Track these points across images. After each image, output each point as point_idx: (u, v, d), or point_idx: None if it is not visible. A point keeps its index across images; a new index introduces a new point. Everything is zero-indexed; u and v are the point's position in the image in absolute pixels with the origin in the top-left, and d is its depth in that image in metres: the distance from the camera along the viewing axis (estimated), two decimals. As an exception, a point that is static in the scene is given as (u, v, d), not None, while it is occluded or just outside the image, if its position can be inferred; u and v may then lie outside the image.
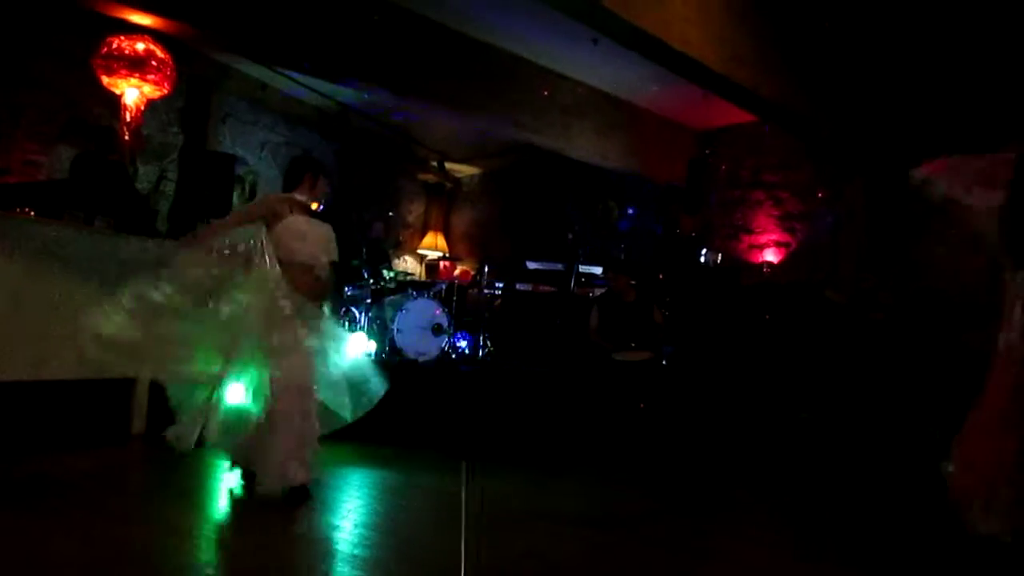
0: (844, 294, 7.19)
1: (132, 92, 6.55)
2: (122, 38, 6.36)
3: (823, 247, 8.17)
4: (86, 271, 5.16)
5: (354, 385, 4.47)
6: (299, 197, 4.41)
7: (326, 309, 4.58)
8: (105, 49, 6.37)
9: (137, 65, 6.37)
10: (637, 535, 4.04)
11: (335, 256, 4.44)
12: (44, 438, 4.93)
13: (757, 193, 8.89)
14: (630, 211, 9.75)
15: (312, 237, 4.28)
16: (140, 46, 6.38)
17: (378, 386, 4.57)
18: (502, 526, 4.06)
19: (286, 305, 4.08)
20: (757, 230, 8.82)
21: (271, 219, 4.21)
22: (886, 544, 4.03)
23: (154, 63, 6.44)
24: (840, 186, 8.10)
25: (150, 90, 6.59)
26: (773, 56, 6.70)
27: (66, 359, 4.95)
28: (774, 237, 8.67)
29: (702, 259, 8.15)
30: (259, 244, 4.10)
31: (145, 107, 6.75)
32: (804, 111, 7.19)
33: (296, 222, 4.25)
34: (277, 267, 4.11)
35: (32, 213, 5.74)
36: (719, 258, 8.32)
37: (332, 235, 4.44)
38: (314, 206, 4.50)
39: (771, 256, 8.62)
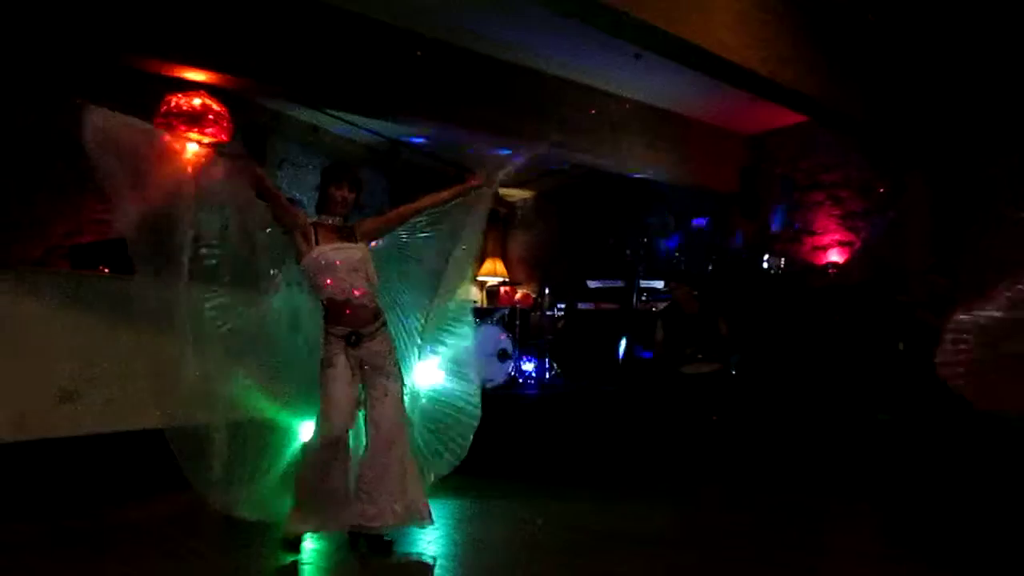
0: (917, 296, 6.98)
1: (192, 147, 6.76)
2: (179, 95, 6.57)
3: (889, 244, 7.96)
4: (161, 322, 5.30)
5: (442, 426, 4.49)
6: (327, 220, 3.99)
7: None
8: (164, 107, 6.59)
9: (195, 120, 6.57)
10: (721, 554, 3.97)
11: (375, 280, 3.99)
12: (126, 486, 5.04)
13: (815, 194, 8.73)
14: (693, 222, 9.66)
15: (343, 265, 3.85)
16: (197, 101, 6.57)
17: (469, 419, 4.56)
18: (580, 549, 4.04)
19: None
20: (819, 231, 8.65)
21: (296, 238, 3.88)
22: (993, 553, 3.87)
23: (211, 116, 6.63)
24: (900, 181, 7.91)
25: (209, 143, 6.79)
26: (817, 54, 6.60)
27: (143, 411, 5.08)
28: (837, 237, 8.49)
29: (764, 265, 8.02)
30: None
31: (205, 160, 6.96)
32: (854, 107, 7.06)
33: (319, 254, 3.84)
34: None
35: (107, 271, 5.96)
36: (782, 263, 8.18)
37: (367, 256, 3.98)
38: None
39: (836, 256, 8.44)
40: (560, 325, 8.80)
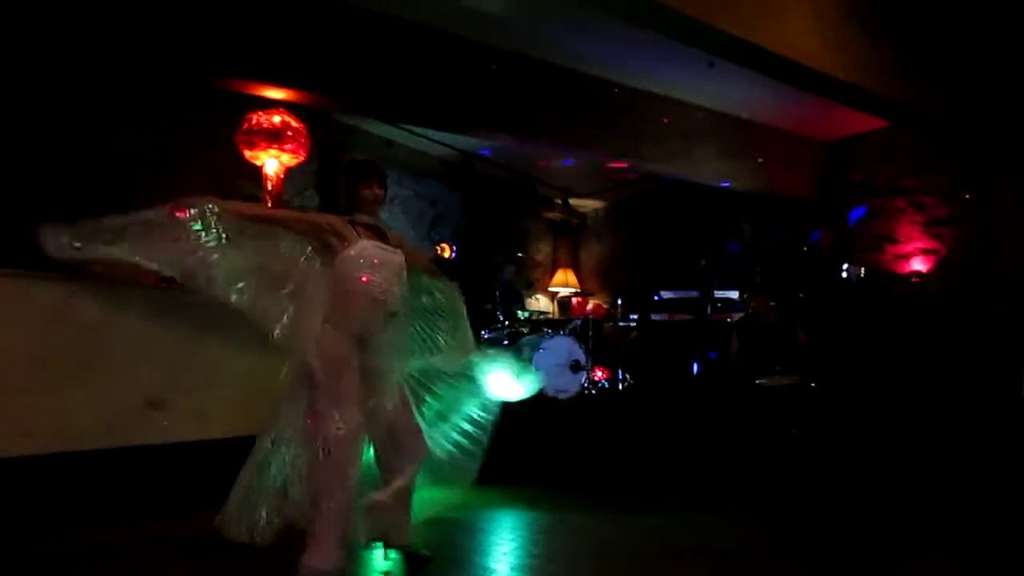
0: (1010, 305, 6.72)
1: (272, 163, 6.97)
2: (260, 113, 6.79)
3: (977, 251, 7.69)
4: (242, 335, 5.45)
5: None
6: (362, 218, 3.72)
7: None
8: (246, 125, 6.82)
9: (275, 137, 6.78)
10: (810, 569, 3.88)
11: (405, 290, 3.75)
12: (209, 494, 5.16)
13: (896, 201, 8.48)
14: (766, 232, 9.49)
15: (385, 267, 3.60)
16: (276, 119, 6.79)
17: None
18: (660, 563, 4.00)
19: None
20: (901, 239, 8.39)
21: (333, 241, 3.57)
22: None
23: (290, 133, 6.83)
24: (987, 186, 7.63)
25: (288, 159, 6.99)
26: (900, 57, 6.41)
27: (228, 419, 5.23)
28: (920, 245, 8.23)
29: (844, 274, 7.83)
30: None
31: (284, 175, 7.15)
32: (939, 111, 6.83)
33: (367, 248, 3.58)
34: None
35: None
36: (862, 271, 7.97)
37: (404, 263, 3.73)
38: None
39: (919, 265, 8.18)
40: (633, 336, 8.74)
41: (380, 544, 3.81)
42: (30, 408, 4.55)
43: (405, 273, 3.73)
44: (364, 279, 3.52)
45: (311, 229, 3.60)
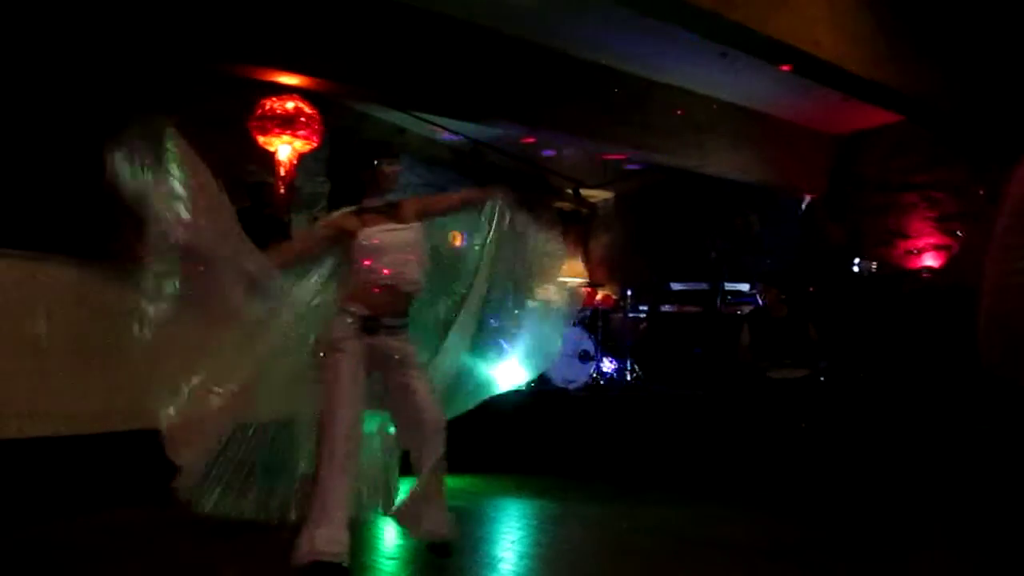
0: None
1: (285, 148, 6.98)
2: (273, 99, 6.80)
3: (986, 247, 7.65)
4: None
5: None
6: (372, 201, 3.65)
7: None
8: (259, 111, 6.83)
9: (288, 123, 6.79)
10: (810, 567, 3.89)
11: (426, 264, 3.70)
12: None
13: (909, 196, 8.44)
14: (774, 224, 9.47)
15: (391, 248, 3.54)
16: (290, 104, 6.80)
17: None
18: (666, 555, 4.01)
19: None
20: (912, 234, 8.37)
21: (345, 238, 3.56)
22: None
23: (303, 119, 6.84)
24: (1001, 181, 7.58)
25: (301, 145, 7.00)
26: (916, 52, 6.38)
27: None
28: (932, 240, 8.20)
29: (855, 268, 7.81)
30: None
31: (297, 161, 7.16)
32: (952, 106, 6.80)
33: (369, 235, 3.53)
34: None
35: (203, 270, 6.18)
36: (874, 266, 7.95)
37: (420, 239, 3.68)
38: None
39: (930, 261, 8.15)
40: (642, 327, 8.74)
41: (427, 541, 3.72)
42: (48, 389, 4.59)
43: (422, 247, 3.67)
44: (369, 263, 3.49)
45: (324, 241, 3.63)
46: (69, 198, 6.26)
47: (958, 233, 7.98)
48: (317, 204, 8.75)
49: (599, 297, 10.39)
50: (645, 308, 8.74)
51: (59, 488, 4.44)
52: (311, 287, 3.58)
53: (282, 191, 7.11)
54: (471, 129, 8.91)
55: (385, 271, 3.50)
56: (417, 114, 8.48)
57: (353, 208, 3.64)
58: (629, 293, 8.58)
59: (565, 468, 5.98)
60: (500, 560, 3.88)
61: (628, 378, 7.86)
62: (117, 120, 6.95)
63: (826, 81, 6.28)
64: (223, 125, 7.53)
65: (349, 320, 3.46)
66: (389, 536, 4.29)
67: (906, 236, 8.42)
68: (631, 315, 8.61)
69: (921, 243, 8.28)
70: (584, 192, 11.28)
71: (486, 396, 4.14)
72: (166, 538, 4.04)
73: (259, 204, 6.81)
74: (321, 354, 3.44)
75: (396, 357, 3.56)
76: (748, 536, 4.49)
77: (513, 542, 4.26)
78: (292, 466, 3.58)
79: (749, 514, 5.08)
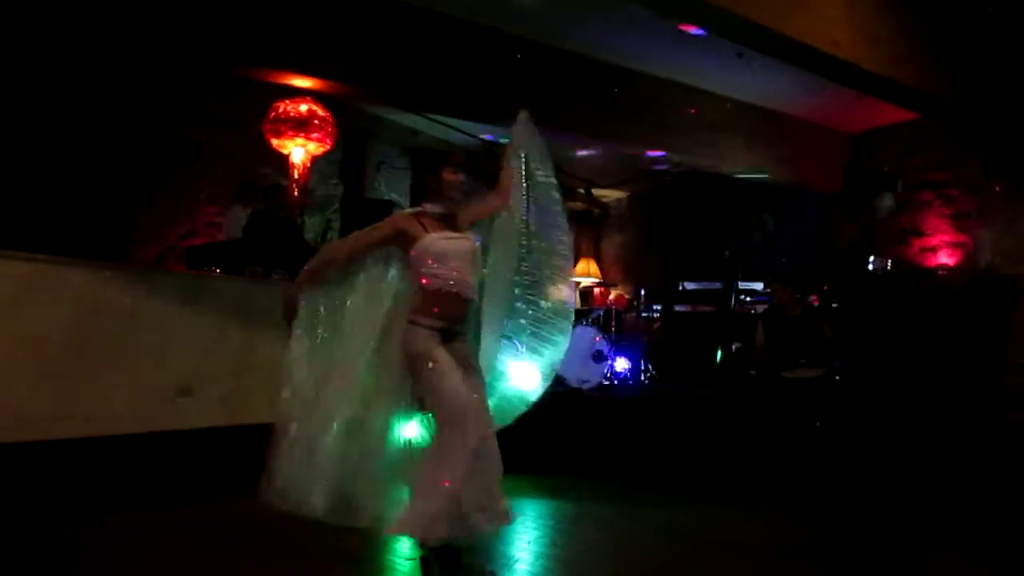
0: None
1: (298, 151, 7.02)
2: (287, 102, 6.84)
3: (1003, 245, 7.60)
4: (269, 322, 5.49)
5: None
6: (431, 208, 3.70)
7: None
8: (273, 114, 6.87)
9: (302, 125, 6.83)
10: (825, 568, 3.87)
11: (481, 274, 3.79)
12: (238, 479, 5.21)
13: (924, 193, 8.39)
14: (788, 224, 9.44)
15: (455, 256, 3.60)
16: (303, 107, 6.84)
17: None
18: (678, 556, 4.01)
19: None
20: (928, 232, 8.31)
21: (405, 242, 3.62)
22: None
23: (316, 122, 6.88)
24: (1017, 179, 7.53)
25: (314, 147, 7.04)
26: (933, 49, 6.34)
27: (257, 405, 5.28)
28: (947, 238, 8.15)
29: (870, 267, 7.77)
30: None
31: (311, 163, 7.20)
32: (969, 104, 6.76)
33: (432, 241, 3.58)
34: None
35: (217, 271, 6.24)
36: (888, 264, 7.91)
37: (477, 249, 3.76)
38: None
39: (945, 258, 8.10)
40: (656, 327, 8.73)
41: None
42: (64, 392, 4.62)
43: (478, 257, 3.75)
44: (438, 273, 3.55)
45: (381, 241, 3.67)
46: (88, 202, 6.32)
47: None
48: (330, 206, 8.81)
49: (612, 297, 10.40)
50: (659, 308, 8.73)
51: (75, 491, 4.47)
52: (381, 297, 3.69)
53: (296, 193, 7.14)
54: (487, 131, 8.92)
55: (450, 279, 3.56)
56: (431, 116, 8.50)
57: (412, 211, 3.73)
58: (643, 293, 8.57)
59: (579, 468, 5.98)
60: (516, 560, 3.89)
61: (642, 378, 7.85)
62: (133, 124, 7.07)
63: (841, 79, 6.25)
64: (237, 129, 7.61)
65: (425, 331, 3.52)
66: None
67: (921, 234, 8.37)
68: (644, 315, 8.60)
69: (935, 240, 8.23)
70: (596, 192, 11.27)
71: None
72: (177, 541, 4.06)
73: (273, 206, 6.85)
74: (417, 367, 3.51)
75: (468, 364, 3.62)
76: (762, 536, 4.48)
77: (529, 542, 4.26)
78: (368, 472, 3.61)
79: (763, 514, 5.07)
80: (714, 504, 5.28)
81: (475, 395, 3.54)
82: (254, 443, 5.32)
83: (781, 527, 4.74)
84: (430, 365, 3.47)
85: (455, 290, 3.56)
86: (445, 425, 3.45)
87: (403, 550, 3.99)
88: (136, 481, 4.72)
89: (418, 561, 3.55)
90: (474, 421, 3.44)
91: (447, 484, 3.33)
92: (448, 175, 3.67)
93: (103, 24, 5.63)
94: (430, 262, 3.55)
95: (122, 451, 4.78)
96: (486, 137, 9.13)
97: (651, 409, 6.62)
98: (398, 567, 3.82)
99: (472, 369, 3.64)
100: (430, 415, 3.66)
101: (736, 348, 7.62)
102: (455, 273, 3.56)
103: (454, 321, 3.60)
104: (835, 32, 5.62)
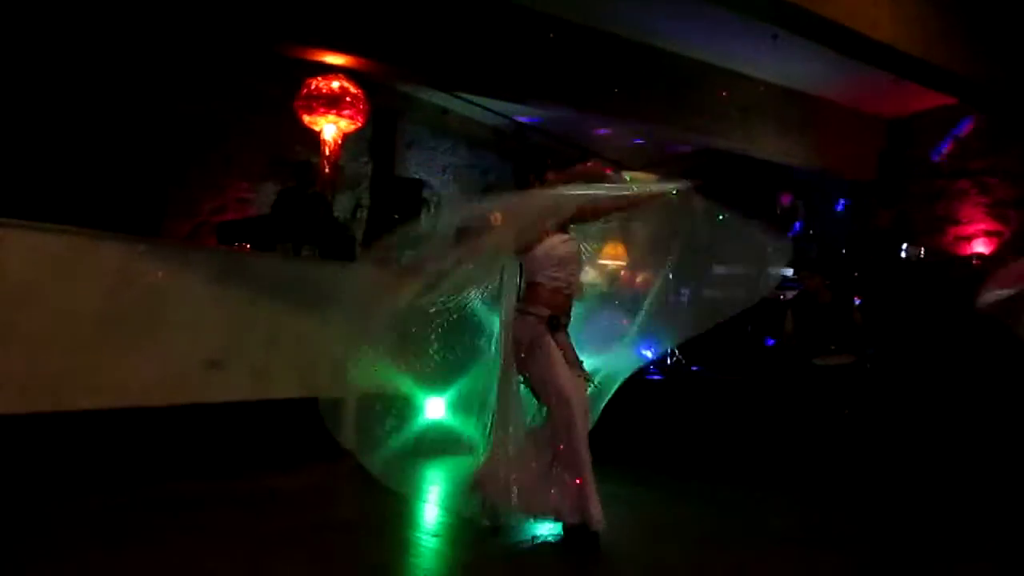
0: None
1: (330, 128, 7.01)
2: (319, 79, 6.83)
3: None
4: (298, 298, 5.52)
5: None
6: None
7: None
8: (305, 91, 6.86)
9: (333, 102, 6.82)
10: (853, 557, 3.84)
11: (579, 274, 4.05)
12: (266, 453, 5.26)
13: (961, 182, 8.26)
14: (820, 210, 9.31)
15: (568, 259, 3.87)
16: (335, 84, 6.82)
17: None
18: (708, 541, 3.99)
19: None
20: (964, 220, 8.19)
21: (533, 240, 3.83)
22: None
23: (348, 99, 6.86)
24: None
25: (346, 124, 7.03)
26: (973, 32, 6.23)
27: (286, 380, 5.33)
28: (983, 227, 8.02)
29: (903, 254, 7.67)
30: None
31: (342, 141, 7.20)
32: (1010, 89, 6.62)
33: (554, 245, 3.83)
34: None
35: (248, 247, 6.27)
36: (922, 252, 7.79)
37: (577, 250, 3.98)
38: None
39: (981, 247, 7.97)
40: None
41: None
42: (97, 364, 4.68)
43: (581, 258, 4.02)
44: (557, 274, 3.81)
45: (531, 239, 3.84)
46: (123, 178, 6.37)
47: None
48: (360, 184, 8.83)
49: (639, 280, 10.31)
50: (687, 292, 8.65)
51: (106, 462, 4.54)
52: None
53: (327, 171, 7.15)
54: (517, 111, 8.88)
55: (564, 278, 3.84)
56: (462, 95, 8.47)
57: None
58: (671, 276, 8.49)
59: (609, 453, 5.95)
60: (543, 539, 3.89)
61: (669, 362, 7.80)
62: (166, 101, 7.10)
63: (878, 62, 6.17)
64: (268, 107, 7.62)
65: (534, 320, 3.77)
66: (431, 513, 4.35)
67: (957, 222, 8.25)
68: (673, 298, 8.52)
69: (972, 229, 8.10)
70: (627, 174, 11.17)
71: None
72: (217, 512, 4.11)
73: (304, 183, 6.87)
74: (522, 355, 3.79)
75: (572, 356, 3.84)
76: (791, 523, 4.46)
77: (551, 525, 4.25)
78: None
79: (790, 502, 5.03)
80: (745, 490, 5.23)
81: (582, 393, 3.84)
82: (283, 418, 5.41)
83: (809, 516, 4.70)
84: (540, 349, 3.74)
85: (569, 292, 3.88)
86: (560, 425, 3.75)
87: (428, 526, 4.01)
88: (168, 453, 4.78)
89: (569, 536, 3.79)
90: (582, 420, 3.75)
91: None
92: (553, 178, 3.95)
93: (137, 4, 5.67)
94: (551, 265, 3.81)
95: (153, 423, 4.84)
96: (518, 119, 9.13)
97: (679, 394, 6.58)
98: (424, 543, 3.84)
99: (574, 363, 3.85)
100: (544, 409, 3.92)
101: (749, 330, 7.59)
102: (572, 277, 3.90)
103: (563, 313, 3.87)
104: (872, 12, 5.53)
